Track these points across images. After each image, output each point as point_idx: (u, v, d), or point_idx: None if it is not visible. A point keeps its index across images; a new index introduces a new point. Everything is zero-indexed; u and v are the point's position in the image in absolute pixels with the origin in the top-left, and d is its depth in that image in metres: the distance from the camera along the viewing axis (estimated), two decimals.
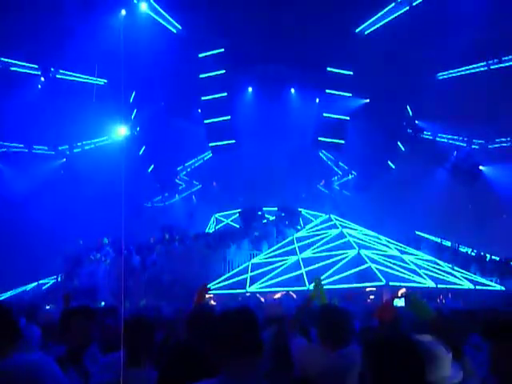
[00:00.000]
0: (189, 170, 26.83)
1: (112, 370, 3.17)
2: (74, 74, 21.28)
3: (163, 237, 19.84)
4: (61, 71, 20.96)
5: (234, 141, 22.10)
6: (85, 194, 20.21)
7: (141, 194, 23.90)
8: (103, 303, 15.02)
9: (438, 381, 2.57)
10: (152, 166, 23.53)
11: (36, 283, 20.10)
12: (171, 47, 19.67)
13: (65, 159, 23.34)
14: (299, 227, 20.45)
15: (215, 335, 2.44)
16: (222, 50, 21.08)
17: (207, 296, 14.53)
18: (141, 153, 23.24)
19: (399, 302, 3.76)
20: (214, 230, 23.14)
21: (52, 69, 20.66)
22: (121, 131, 21.67)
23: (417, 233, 22.25)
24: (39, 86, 20.87)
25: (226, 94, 21.81)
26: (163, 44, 19.50)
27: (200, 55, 21.34)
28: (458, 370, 2.79)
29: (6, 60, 19.65)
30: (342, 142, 22.33)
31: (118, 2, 18.83)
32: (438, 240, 21.57)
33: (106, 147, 22.87)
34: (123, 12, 19.05)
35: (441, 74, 21.34)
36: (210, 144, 22.71)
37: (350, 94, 22.02)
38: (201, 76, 21.64)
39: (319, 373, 3.49)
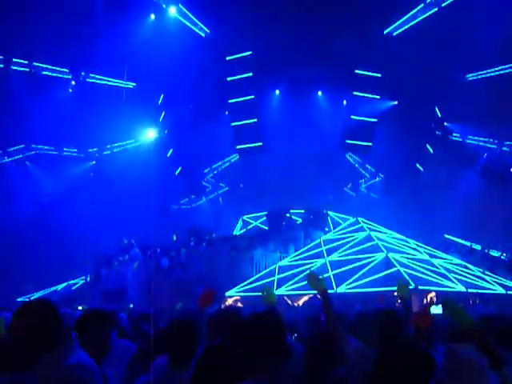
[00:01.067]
0: (215, 172, 26.98)
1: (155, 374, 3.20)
2: (104, 78, 21.65)
3: (189, 238, 19.96)
4: (91, 75, 21.34)
5: (261, 143, 22.16)
6: (113, 196, 20.52)
7: (168, 196, 24.13)
8: (131, 305, 15.21)
9: None
10: (180, 169, 23.73)
11: (66, 283, 20.45)
12: (199, 50, 19.89)
13: (94, 161, 23.76)
14: (327, 229, 20.36)
15: (242, 338, 2.45)
16: (250, 52, 21.19)
17: (234, 298, 14.64)
18: (169, 155, 23.49)
19: (436, 310, 3.71)
20: (241, 232, 23.21)
21: (83, 73, 21.06)
22: (149, 134, 21.95)
23: (446, 236, 21.96)
24: (70, 90, 21.27)
25: (253, 96, 21.89)
26: (191, 47, 19.70)
27: (227, 58, 21.48)
28: (496, 381, 2.75)
29: (38, 64, 20.07)
30: (370, 144, 22.20)
31: (148, 7, 19.08)
32: (468, 244, 21.26)
33: (134, 150, 23.21)
34: (152, 16, 19.31)
35: (470, 75, 21.03)
36: (237, 146, 22.81)
37: (378, 97, 21.89)
38: (228, 79, 21.79)
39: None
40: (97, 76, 21.52)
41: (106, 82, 21.73)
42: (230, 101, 22.20)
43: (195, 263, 17.59)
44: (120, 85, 21.81)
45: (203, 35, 20.71)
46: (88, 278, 19.81)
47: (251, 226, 23.78)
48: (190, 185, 25.53)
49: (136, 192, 19.21)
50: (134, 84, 22.02)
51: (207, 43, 20.47)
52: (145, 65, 19.12)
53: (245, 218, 24.29)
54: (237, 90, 21.83)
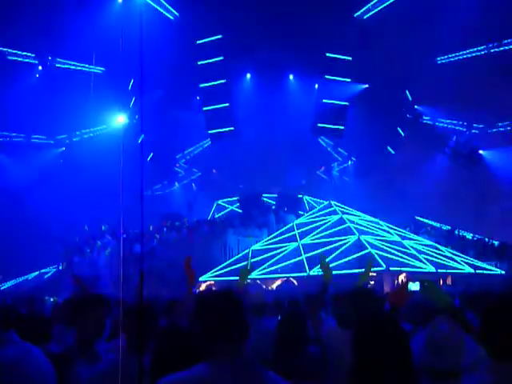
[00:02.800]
0: (188, 157, 26.78)
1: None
2: (72, 63, 21.18)
3: (162, 225, 19.84)
4: (58, 60, 20.86)
5: (232, 128, 22.02)
6: (84, 183, 20.20)
7: (140, 182, 23.81)
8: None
9: (451, 365, 2.59)
10: (151, 154, 23.46)
11: (37, 272, 20.15)
12: (169, 34, 19.50)
13: (64, 148, 23.32)
14: (301, 213, 20.46)
15: (199, 320, 2.42)
16: (220, 36, 20.93)
17: (208, 283, 14.63)
18: (140, 141, 23.10)
19: (413, 287, 3.75)
20: (215, 216, 23.16)
21: (49, 57, 20.55)
22: (119, 119, 21.59)
23: (417, 218, 22.28)
24: (37, 75, 20.78)
25: (224, 80, 21.69)
26: (161, 31, 19.33)
27: (198, 42, 21.19)
28: (475, 354, 2.80)
29: (3, 49, 19.53)
30: (342, 127, 22.26)
31: None
32: (438, 225, 21.63)
33: (104, 136, 22.83)
34: None
35: (440, 58, 21.19)
36: (209, 131, 22.63)
37: (349, 80, 21.91)
38: (199, 63, 21.51)
39: None
40: (64, 61, 21.03)
41: (74, 67, 21.27)
42: (201, 85, 21.96)
43: (168, 249, 17.50)
44: (88, 70, 21.39)
45: (172, 18, 20.38)
46: (60, 267, 19.58)
47: (226, 210, 23.75)
48: (163, 171, 25.28)
49: (107, 178, 18.92)
50: (103, 69, 21.63)
51: (177, 27, 20.16)
52: (113, 49, 18.71)
53: (219, 202, 24.23)
54: (208, 75, 21.58)
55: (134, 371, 2.46)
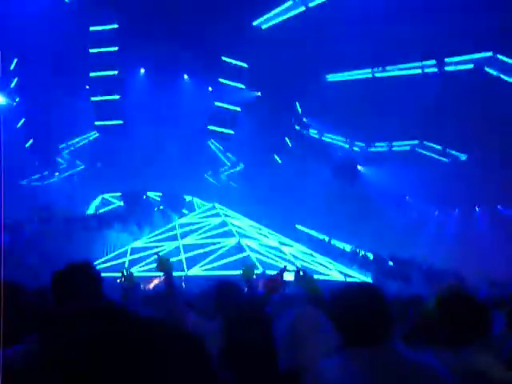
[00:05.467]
0: (72, 148, 25.53)
1: None
2: None
3: (38, 215, 18.76)
4: None
5: (121, 121, 21.36)
6: None
7: (16, 170, 22.32)
8: None
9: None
10: (31, 141, 22.07)
11: None
12: (61, 16, 18.55)
13: None
14: (186, 212, 20.35)
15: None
16: (116, 26, 20.27)
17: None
18: (19, 125, 21.70)
19: (288, 277, 3.83)
20: (99, 211, 22.29)
21: None
22: None
23: (297, 226, 23.06)
24: None
25: (116, 72, 21.00)
26: (53, 12, 18.37)
27: (91, 29, 20.34)
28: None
29: None
30: (232, 132, 22.46)
31: None
32: (316, 234, 22.56)
33: None
34: None
35: (330, 76, 22.14)
36: (96, 123, 21.76)
37: (243, 86, 22.21)
38: (91, 51, 20.63)
39: None
40: None
41: None
42: (91, 74, 21.07)
43: (43, 243, 16.56)
44: None
45: (67, 1, 19.42)
46: None
47: (111, 206, 22.96)
48: (42, 160, 23.83)
49: None
50: None
51: (71, 10, 19.21)
52: None
53: (105, 196, 23.37)
54: (100, 64, 20.77)
55: None
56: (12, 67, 20.39)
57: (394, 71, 20.94)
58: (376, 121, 20.86)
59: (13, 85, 20.85)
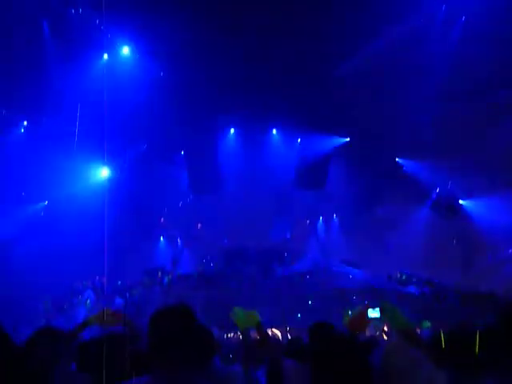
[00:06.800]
0: (173, 212, 26.53)
1: None
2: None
3: (144, 279, 19.57)
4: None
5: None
6: (67, 238, 19.91)
7: (125, 239, 23.52)
8: None
9: None
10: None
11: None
12: (150, 86, 19.84)
13: (47, 202, 23.00)
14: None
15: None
16: None
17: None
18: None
19: (373, 314, 3.68)
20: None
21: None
22: (103, 173, 21.60)
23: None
24: (22, 130, 21.00)
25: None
26: (145, 87, 19.72)
27: None
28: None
29: None
30: (324, 181, 22.41)
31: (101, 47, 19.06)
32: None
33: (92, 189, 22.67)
34: (105, 56, 19.29)
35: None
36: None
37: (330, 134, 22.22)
38: None
39: None
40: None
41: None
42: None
43: (147, 303, 17.14)
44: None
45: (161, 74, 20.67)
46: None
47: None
48: (147, 225, 24.97)
49: (91, 234, 18.63)
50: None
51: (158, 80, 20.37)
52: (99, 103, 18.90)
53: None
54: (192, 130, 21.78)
55: None
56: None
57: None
58: (476, 151, 19.89)
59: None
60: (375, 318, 3.59)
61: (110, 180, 21.71)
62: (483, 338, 2.61)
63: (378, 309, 3.42)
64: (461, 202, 22.45)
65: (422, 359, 2.91)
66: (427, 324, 12.09)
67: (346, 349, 2.63)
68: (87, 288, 18.65)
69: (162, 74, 20.03)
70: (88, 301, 17.65)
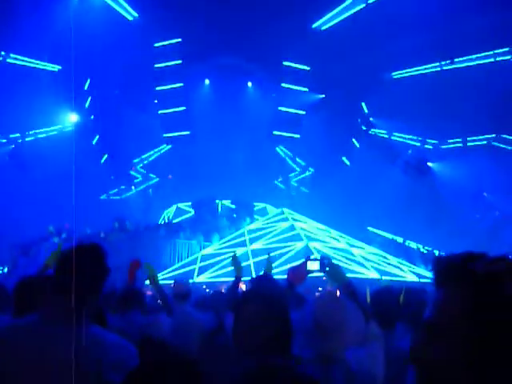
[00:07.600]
0: (145, 162, 26.37)
1: None
2: (27, 59, 20.64)
3: (113, 227, 19.48)
4: (12, 55, 20.32)
5: (189, 132, 21.85)
6: (34, 183, 19.62)
7: (95, 185, 23.29)
8: None
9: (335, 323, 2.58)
10: (106, 156, 23.01)
11: None
12: (126, 35, 19.29)
13: (13, 145, 22.51)
14: (258, 219, 20.43)
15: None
16: (179, 40, 20.82)
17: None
18: (94, 142, 22.71)
19: (313, 265, 3.66)
20: (170, 220, 22.79)
21: (2, 52, 20.02)
22: (72, 118, 21.12)
23: (369, 229, 22.49)
24: None
25: (182, 84, 21.54)
26: (118, 31, 19.11)
27: (156, 44, 21.01)
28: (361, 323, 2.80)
29: None
30: (297, 136, 22.36)
31: None
32: (390, 236, 21.88)
33: (58, 136, 22.24)
34: None
35: (395, 72, 21.55)
36: (164, 135, 22.38)
37: (307, 89, 22.06)
38: (156, 66, 21.30)
39: None
40: (18, 57, 20.49)
41: (28, 64, 20.72)
42: (157, 88, 21.72)
43: (114, 250, 17.15)
44: (44, 67, 20.89)
45: (131, 19, 20.17)
46: (5, 269, 18.92)
47: (186, 216, 23.35)
48: (118, 174, 24.78)
49: (59, 180, 18.38)
50: (60, 67, 21.16)
51: (135, 28, 19.94)
52: (70, 47, 18.35)
53: (179, 205, 23.86)
54: (165, 78, 21.40)
55: None
56: (86, 87, 21.39)
57: (463, 63, 20.03)
58: (448, 116, 19.98)
59: (87, 104, 21.85)
60: (314, 270, 3.57)
61: (80, 126, 21.32)
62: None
63: (318, 262, 3.44)
64: (430, 164, 22.71)
65: (358, 311, 2.90)
66: None
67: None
68: (54, 235, 18.48)
69: (136, 19, 19.46)
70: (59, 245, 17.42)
